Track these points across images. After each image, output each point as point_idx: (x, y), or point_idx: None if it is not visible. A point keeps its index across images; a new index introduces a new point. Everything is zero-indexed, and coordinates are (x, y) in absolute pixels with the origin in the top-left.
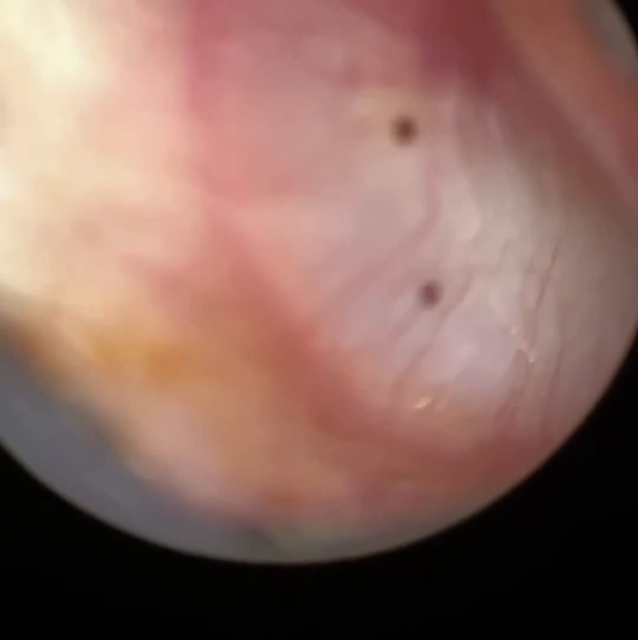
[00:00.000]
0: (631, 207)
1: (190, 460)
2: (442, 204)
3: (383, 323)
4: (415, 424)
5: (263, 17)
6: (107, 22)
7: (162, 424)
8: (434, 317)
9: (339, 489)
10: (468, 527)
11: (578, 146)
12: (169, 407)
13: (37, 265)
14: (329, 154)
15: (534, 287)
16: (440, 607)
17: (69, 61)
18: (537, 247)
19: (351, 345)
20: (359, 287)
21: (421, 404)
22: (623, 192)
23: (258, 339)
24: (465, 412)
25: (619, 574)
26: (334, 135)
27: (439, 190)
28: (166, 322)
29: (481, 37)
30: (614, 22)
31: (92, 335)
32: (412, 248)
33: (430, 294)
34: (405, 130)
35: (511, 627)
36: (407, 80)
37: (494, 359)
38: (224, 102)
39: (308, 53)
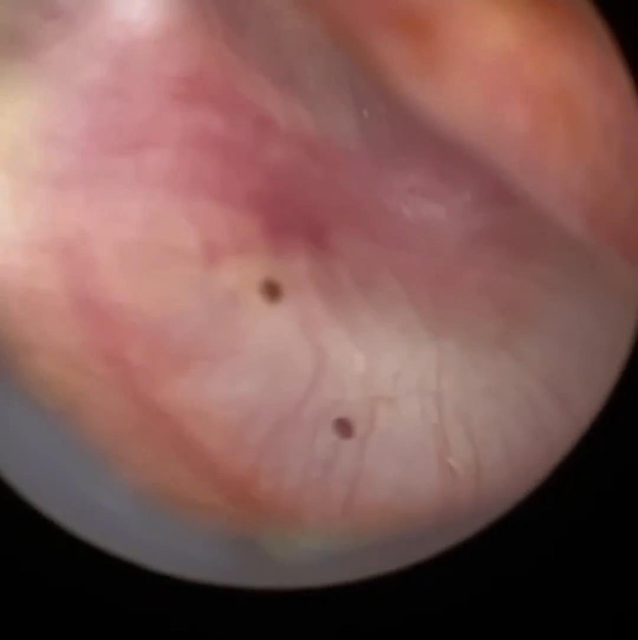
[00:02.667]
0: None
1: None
2: (326, 350)
3: (313, 460)
4: (370, 529)
5: (119, 215)
6: None
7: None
8: (355, 447)
9: None
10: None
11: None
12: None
13: None
14: (215, 325)
15: (431, 405)
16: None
17: None
18: (421, 372)
19: (291, 485)
20: (280, 435)
21: (370, 523)
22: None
23: (207, 489)
24: (411, 520)
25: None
26: (213, 309)
27: (319, 339)
28: None
29: (315, 204)
30: None
31: None
32: (313, 392)
33: (343, 427)
34: (272, 292)
35: None
36: (259, 249)
37: (420, 473)
38: (107, 301)
39: (167, 242)
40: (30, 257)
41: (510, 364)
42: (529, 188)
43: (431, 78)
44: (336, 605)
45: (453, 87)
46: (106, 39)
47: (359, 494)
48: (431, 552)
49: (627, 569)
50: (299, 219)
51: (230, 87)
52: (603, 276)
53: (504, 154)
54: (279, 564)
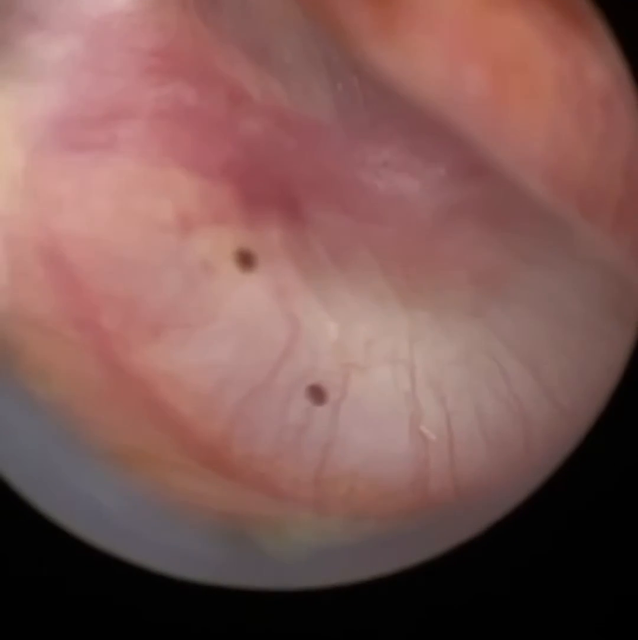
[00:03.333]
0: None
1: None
2: (299, 318)
3: (285, 426)
4: (342, 506)
5: (93, 185)
6: None
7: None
8: (327, 413)
9: None
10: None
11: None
12: None
13: None
14: (189, 293)
15: (403, 373)
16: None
17: None
18: (393, 340)
19: (264, 450)
20: (253, 401)
21: (343, 490)
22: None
23: (180, 453)
24: (382, 491)
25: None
26: (187, 276)
27: (292, 308)
28: None
29: (289, 176)
30: None
31: None
32: (287, 359)
33: (316, 394)
34: (245, 260)
35: None
36: (232, 218)
37: (392, 439)
38: (82, 270)
39: (140, 212)
40: (6, 227)
41: (482, 333)
42: (491, 151)
43: (392, 42)
44: (331, 605)
45: (413, 51)
46: (79, 13)
47: (332, 459)
48: (421, 543)
49: (627, 569)
50: (273, 190)
51: (203, 60)
52: (575, 246)
53: (466, 117)
54: (271, 560)
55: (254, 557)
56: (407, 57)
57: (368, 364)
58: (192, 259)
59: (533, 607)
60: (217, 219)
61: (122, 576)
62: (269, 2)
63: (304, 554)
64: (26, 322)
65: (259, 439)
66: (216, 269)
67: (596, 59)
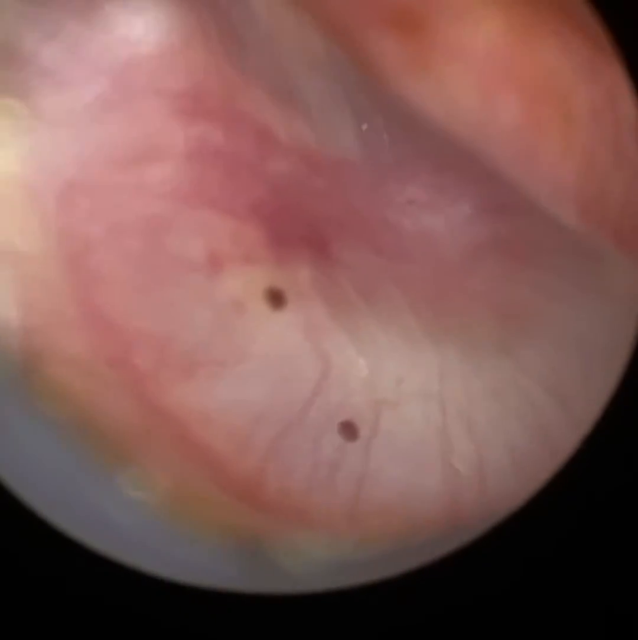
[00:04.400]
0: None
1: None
2: (330, 355)
3: (319, 462)
4: (376, 537)
5: (121, 225)
6: None
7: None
8: (360, 449)
9: None
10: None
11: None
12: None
13: None
14: (221, 332)
15: (434, 408)
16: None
17: None
18: (423, 376)
19: (298, 486)
20: (286, 438)
21: (376, 522)
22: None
23: (215, 489)
24: (415, 523)
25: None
26: (218, 315)
27: (323, 345)
28: None
29: (317, 215)
30: None
31: None
32: (319, 396)
33: (349, 430)
34: (275, 298)
35: None
36: (262, 258)
37: (424, 473)
38: (114, 309)
39: (171, 252)
40: (39, 267)
41: (511, 368)
42: (523, 182)
43: (424, 75)
44: (340, 608)
45: (446, 83)
46: (108, 56)
47: (365, 494)
48: (438, 555)
49: (628, 571)
50: (301, 230)
51: (230, 101)
52: (601, 279)
53: (499, 149)
54: (286, 573)
55: (267, 570)
56: (439, 89)
57: (398, 399)
58: (223, 297)
59: (533, 607)
60: (247, 258)
61: (131, 581)
62: (294, 44)
63: (318, 568)
64: (59, 361)
65: (293, 474)
66: (247, 308)
67: (626, 87)
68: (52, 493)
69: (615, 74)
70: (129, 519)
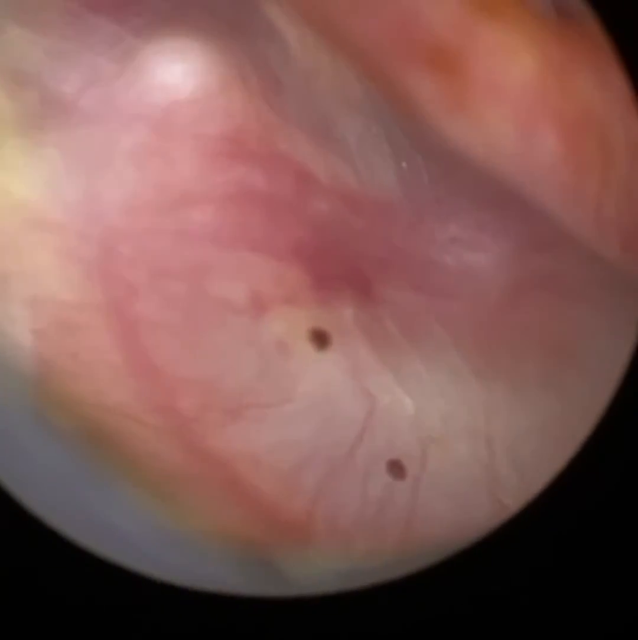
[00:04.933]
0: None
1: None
2: (375, 395)
3: (367, 502)
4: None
5: (164, 270)
6: None
7: None
8: (408, 487)
9: None
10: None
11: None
12: None
13: None
14: (266, 373)
15: (481, 445)
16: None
17: None
18: (470, 413)
19: (347, 525)
20: (333, 479)
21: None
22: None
23: (264, 531)
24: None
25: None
26: (263, 356)
27: (368, 385)
28: None
29: (358, 255)
30: None
31: None
32: (365, 436)
33: (396, 469)
34: (320, 339)
35: None
36: (305, 299)
37: (472, 510)
38: (159, 355)
39: (215, 295)
40: (82, 315)
41: (557, 402)
42: (564, 217)
43: (461, 112)
44: (343, 610)
45: (485, 120)
46: (147, 102)
47: (413, 532)
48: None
49: (628, 573)
50: (343, 270)
51: (270, 143)
52: None
53: (538, 184)
54: (293, 580)
55: (274, 578)
56: (476, 126)
57: (445, 437)
58: (268, 339)
59: (535, 608)
60: (290, 300)
61: (132, 584)
62: (330, 84)
63: (326, 577)
64: (105, 409)
65: (342, 514)
66: (291, 349)
67: None
68: (64, 505)
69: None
70: (138, 528)
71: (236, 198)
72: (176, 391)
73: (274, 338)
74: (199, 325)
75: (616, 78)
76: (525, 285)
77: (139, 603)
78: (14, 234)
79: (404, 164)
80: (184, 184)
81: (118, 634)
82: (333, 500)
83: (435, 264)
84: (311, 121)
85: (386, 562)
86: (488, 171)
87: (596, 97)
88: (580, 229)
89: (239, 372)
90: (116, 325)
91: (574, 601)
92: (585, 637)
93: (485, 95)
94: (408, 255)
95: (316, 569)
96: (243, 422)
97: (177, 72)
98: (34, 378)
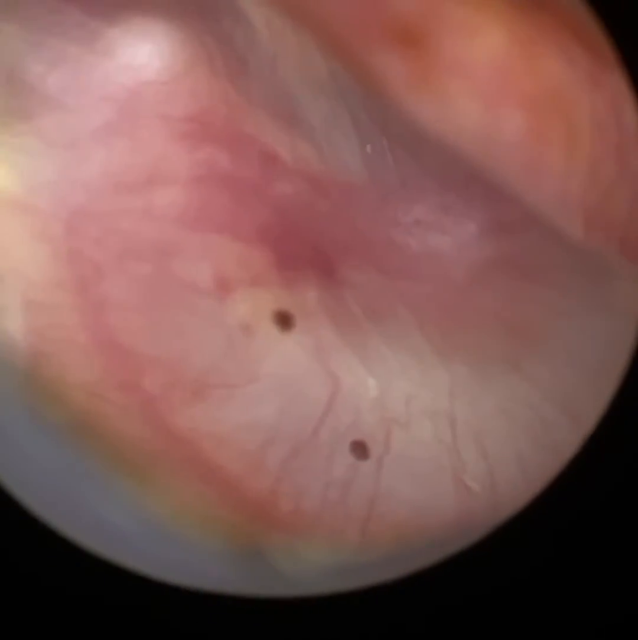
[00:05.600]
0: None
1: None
2: (339, 376)
3: (331, 482)
4: (388, 551)
5: (130, 250)
6: None
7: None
8: (371, 468)
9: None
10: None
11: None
12: None
13: None
14: (231, 354)
15: (445, 426)
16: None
17: None
18: (433, 394)
19: (311, 505)
20: (297, 459)
21: (389, 539)
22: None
23: (228, 509)
24: (428, 540)
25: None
26: (228, 337)
27: (332, 365)
28: None
29: (323, 237)
30: None
31: None
32: (329, 416)
33: (360, 449)
34: (284, 320)
35: None
36: (270, 280)
37: (436, 492)
38: (125, 334)
39: (180, 275)
40: (48, 294)
41: (520, 384)
42: (528, 197)
43: (426, 90)
44: (339, 611)
45: (450, 99)
46: (113, 82)
47: (377, 513)
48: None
49: (628, 573)
50: (308, 252)
51: (235, 125)
52: (608, 293)
53: (502, 163)
54: (286, 576)
55: (265, 573)
56: (442, 104)
57: (409, 418)
58: (232, 320)
59: (533, 610)
60: (255, 281)
61: (128, 582)
62: (296, 64)
63: (317, 571)
64: (71, 386)
65: (306, 494)
66: (256, 330)
67: (629, 97)
68: (54, 497)
69: (617, 84)
70: (130, 524)
71: (202, 179)
72: (141, 370)
73: (239, 319)
74: (165, 306)
75: (582, 56)
76: (489, 267)
77: (130, 600)
78: None
79: (369, 147)
80: (151, 165)
81: (107, 630)
82: (297, 480)
83: (399, 246)
84: (277, 103)
85: (376, 558)
86: (453, 151)
87: (562, 75)
88: (544, 208)
89: (204, 352)
90: (82, 305)
91: (574, 601)
92: (584, 637)
93: (451, 73)
94: (373, 237)
95: (305, 563)
96: (207, 402)
97: (143, 53)
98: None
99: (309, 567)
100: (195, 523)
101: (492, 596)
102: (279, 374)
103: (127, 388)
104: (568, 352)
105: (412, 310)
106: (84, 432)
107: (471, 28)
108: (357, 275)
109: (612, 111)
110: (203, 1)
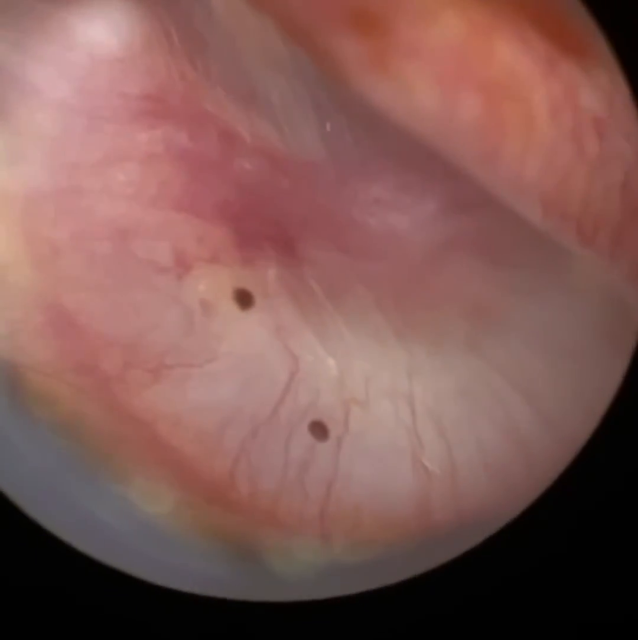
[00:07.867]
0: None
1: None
2: (298, 355)
3: (289, 462)
4: (347, 537)
5: (87, 229)
6: None
7: None
8: (330, 448)
9: None
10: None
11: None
12: None
13: None
14: (189, 333)
15: (404, 407)
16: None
17: None
18: (392, 374)
19: (269, 487)
20: (256, 439)
21: (348, 523)
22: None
23: (186, 492)
24: (387, 523)
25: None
26: (187, 316)
27: (291, 344)
28: None
29: (283, 215)
30: None
31: None
32: (288, 396)
33: (319, 430)
34: (243, 299)
35: None
36: (229, 258)
37: (395, 473)
38: (82, 314)
39: (138, 254)
40: (3, 274)
41: (480, 365)
42: (485, 180)
43: (384, 73)
44: (333, 615)
45: (405, 81)
46: (69, 61)
47: (336, 494)
48: (424, 563)
49: (628, 573)
50: (267, 230)
51: (193, 103)
52: (566, 275)
53: (460, 146)
54: (278, 578)
55: (259, 575)
56: (399, 87)
57: (368, 398)
58: (191, 299)
59: (532, 611)
60: (214, 259)
61: (124, 587)
62: (255, 44)
63: (310, 573)
64: (28, 368)
65: (264, 475)
66: (215, 308)
67: (588, 82)
68: (41, 494)
69: (576, 69)
70: (115, 521)
71: (160, 157)
72: (99, 350)
73: (198, 297)
74: (123, 284)
75: (539, 41)
76: (448, 247)
77: (119, 599)
78: None
79: (328, 125)
80: (108, 143)
81: (98, 631)
82: (256, 461)
83: (358, 224)
84: (236, 81)
85: (366, 558)
86: (410, 133)
87: (518, 59)
88: (501, 190)
89: (163, 332)
90: (39, 285)
91: (574, 601)
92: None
93: (408, 57)
94: (332, 215)
95: (295, 561)
96: (165, 382)
97: (99, 30)
98: None
99: (300, 568)
100: (164, 510)
101: (492, 596)
102: (238, 353)
103: (84, 369)
104: (527, 333)
105: (371, 288)
106: (45, 413)
107: (429, 13)
108: (317, 253)
109: (568, 96)
110: None
